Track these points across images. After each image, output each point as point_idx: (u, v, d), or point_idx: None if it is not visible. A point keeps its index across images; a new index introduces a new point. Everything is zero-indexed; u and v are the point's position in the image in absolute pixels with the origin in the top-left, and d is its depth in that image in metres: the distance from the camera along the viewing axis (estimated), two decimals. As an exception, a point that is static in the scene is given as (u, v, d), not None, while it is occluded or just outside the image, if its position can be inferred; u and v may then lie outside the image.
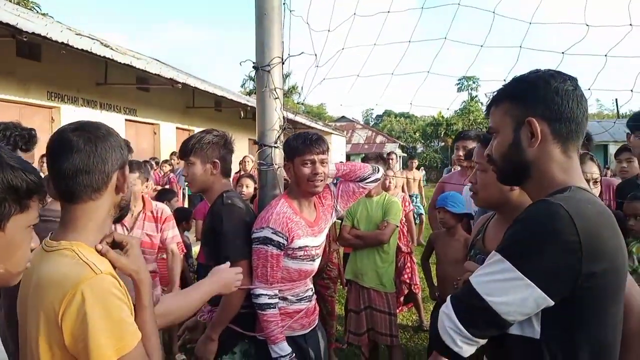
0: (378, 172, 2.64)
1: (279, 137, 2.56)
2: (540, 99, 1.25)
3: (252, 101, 16.46)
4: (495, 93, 1.37)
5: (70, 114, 9.50)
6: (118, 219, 1.40)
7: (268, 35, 2.52)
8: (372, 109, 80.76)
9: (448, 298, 1.24)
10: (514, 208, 1.81)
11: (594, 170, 2.35)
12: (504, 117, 1.32)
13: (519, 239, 1.17)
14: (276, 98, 2.54)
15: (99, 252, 1.25)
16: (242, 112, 14.76)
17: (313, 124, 21.41)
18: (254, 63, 2.56)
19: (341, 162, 2.67)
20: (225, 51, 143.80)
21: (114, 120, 10.67)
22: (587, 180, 2.32)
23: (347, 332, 4.02)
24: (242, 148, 14.75)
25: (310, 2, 2.61)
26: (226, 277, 1.84)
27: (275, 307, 2.29)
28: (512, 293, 1.12)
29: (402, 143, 43.87)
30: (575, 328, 1.15)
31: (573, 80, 1.28)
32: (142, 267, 1.30)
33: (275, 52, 2.53)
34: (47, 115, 9.25)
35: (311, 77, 2.59)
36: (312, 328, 2.47)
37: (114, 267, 1.25)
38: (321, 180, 2.36)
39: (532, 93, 1.27)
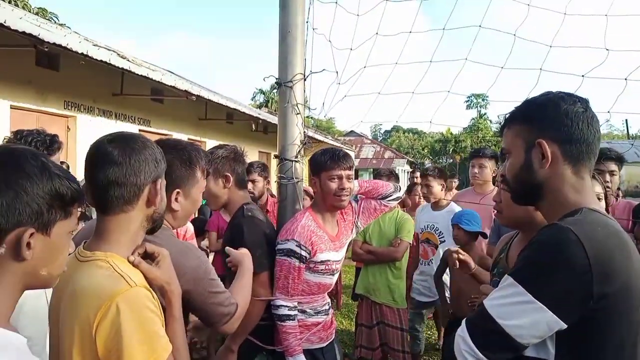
0: (400, 191, 2.69)
1: (299, 151, 2.61)
2: (550, 120, 1.28)
3: (263, 114, 16.60)
4: (508, 115, 1.40)
5: (86, 123, 9.64)
6: (151, 231, 1.40)
7: (291, 52, 2.59)
8: (381, 125, 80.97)
9: (463, 322, 1.26)
10: (538, 226, 1.84)
11: (597, 189, 2.37)
12: (515, 139, 1.35)
13: (531, 263, 1.19)
14: (297, 113, 2.59)
15: (131, 263, 1.28)
16: (253, 125, 14.86)
17: (322, 138, 21.50)
18: (276, 79, 2.62)
19: (364, 179, 2.72)
20: (234, 64, 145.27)
21: (128, 131, 10.78)
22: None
23: (358, 347, 4.02)
24: (252, 160, 14.78)
25: (333, 20, 2.68)
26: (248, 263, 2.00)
27: (294, 319, 2.32)
28: (525, 316, 1.13)
29: (410, 159, 43.88)
30: (590, 349, 1.15)
31: (584, 102, 1.30)
32: (173, 278, 1.33)
33: (298, 68, 2.60)
34: (63, 124, 9.39)
35: (332, 94, 2.65)
36: (329, 341, 2.49)
37: (146, 279, 1.28)
38: (347, 195, 2.41)
39: (542, 115, 1.30)
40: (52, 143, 2.32)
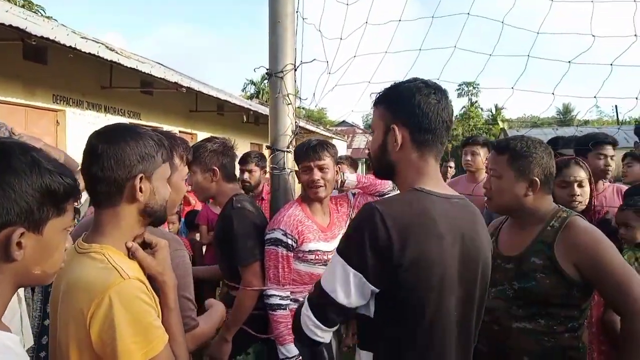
0: (396, 190, 2.70)
1: (291, 142, 2.61)
2: (405, 109, 1.42)
3: (254, 105, 16.54)
4: (378, 95, 1.52)
5: (75, 117, 9.56)
6: (152, 224, 1.38)
7: (281, 43, 2.58)
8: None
9: (305, 300, 1.44)
10: (528, 213, 1.88)
11: (579, 173, 2.41)
12: (378, 120, 1.49)
13: (346, 237, 1.41)
14: (289, 104, 2.60)
15: (128, 249, 1.28)
16: (244, 116, 14.82)
17: (314, 129, 21.47)
18: (267, 69, 2.62)
19: (361, 175, 2.73)
20: (224, 55, 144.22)
21: (123, 123, 10.71)
22: (572, 182, 2.37)
23: (352, 335, 4.05)
24: (244, 151, 14.77)
25: (323, 10, 2.67)
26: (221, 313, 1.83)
27: (286, 308, 2.34)
28: (347, 283, 1.32)
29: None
30: (398, 310, 1.34)
31: (439, 93, 1.43)
32: (167, 269, 1.33)
33: (288, 59, 2.59)
34: (53, 119, 9.31)
35: (323, 84, 2.65)
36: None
37: (142, 267, 1.29)
38: (320, 186, 2.42)
39: (400, 102, 1.43)
40: None
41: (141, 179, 1.28)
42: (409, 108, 1.40)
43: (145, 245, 1.33)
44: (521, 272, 1.83)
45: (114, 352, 1.13)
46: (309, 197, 2.47)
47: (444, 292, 1.35)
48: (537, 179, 1.83)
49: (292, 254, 2.36)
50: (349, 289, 1.32)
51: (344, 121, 42.50)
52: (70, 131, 9.40)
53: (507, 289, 1.87)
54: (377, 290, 1.32)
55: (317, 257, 2.43)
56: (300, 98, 2.68)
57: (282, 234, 2.33)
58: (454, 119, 1.48)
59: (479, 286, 1.46)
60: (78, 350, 1.17)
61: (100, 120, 10.18)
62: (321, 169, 2.42)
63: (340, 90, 2.76)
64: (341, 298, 1.33)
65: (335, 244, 2.55)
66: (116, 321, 1.12)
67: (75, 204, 1.11)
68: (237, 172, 4.73)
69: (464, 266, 1.40)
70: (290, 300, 2.38)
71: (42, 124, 8.84)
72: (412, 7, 2.69)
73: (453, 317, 1.38)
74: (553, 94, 2.26)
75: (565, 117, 54.17)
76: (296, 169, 2.60)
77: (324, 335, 1.41)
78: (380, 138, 1.47)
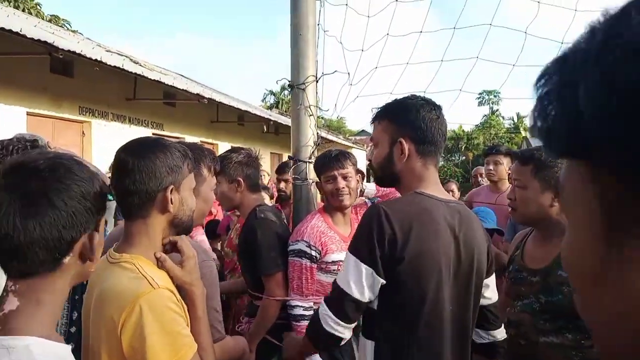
0: None
1: (313, 152, 2.63)
2: (411, 123, 1.56)
3: (274, 115, 16.67)
4: (379, 110, 1.66)
5: (101, 128, 9.78)
6: (181, 234, 1.41)
7: (303, 55, 2.61)
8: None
9: (323, 301, 1.58)
10: (554, 224, 1.85)
11: None
12: (383, 133, 1.62)
13: (356, 236, 1.54)
14: (310, 115, 2.62)
15: (157, 259, 1.31)
16: (264, 127, 14.94)
17: (334, 138, 21.52)
18: (289, 81, 2.65)
19: None
20: (244, 65, 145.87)
21: (142, 135, 10.87)
22: None
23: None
24: (264, 162, 14.88)
25: (344, 22, 2.70)
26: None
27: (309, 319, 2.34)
28: (359, 278, 1.45)
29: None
30: (398, 300, 1.47)
31: (438, 109, 1.59)
32: (195, 279, 1.35)
33: (310, 71, 2.62)
34: (79, 130, 9.53)
35: (344, 95, 2.67)
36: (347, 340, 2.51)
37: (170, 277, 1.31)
38: (345, 194, 2.43)
39: (405, 117, 1.57)
40: (33, 148, 2.29)
41: (171, 190, 1.31)
42: (416, 123, 1.55)
43: (176, 250, 1.37)
44: (548, 285, 1.80)
45: None
46: (332, 206, 2.47)
47: (440, 286, 1.48)
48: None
49: (316, 266, 2.37)
50: (362, 283, 1.46)
51: (363, 130, 42.50)
52: (96, 142, 9.61)
53: (533, 303, 1.85)
54: (384, 282, 1.46)
55: (339, 268, 2.43)
56: (321, 109, 2.70)
57: (306, 246, 2.34)
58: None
59: (474, 282, 1.60)
60: (108, 356, 1.20)
61: (125, 131, 10.39)
62: (345, 177, 2.44)
63: (359, 100, 2.78)
64: (355, 293, 1.46)
65: None
66: (146, 330, 1.15)
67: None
68: (266, 181, 4.80)
69: (459, 263, 1.54)
70: (314, 310, 2.38)
71: (69, 135, 9.06)
72: (432, 18, 2.70)
73: (448, 309, 1.51)
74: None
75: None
76: (317, 180, 2.62)
77: (343, 331, 1.52)
78: (386, 150, 1.60)
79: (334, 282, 1.54)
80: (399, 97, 1.65)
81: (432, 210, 1.51)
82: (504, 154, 3.95)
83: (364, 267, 1.45)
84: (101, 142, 9.57)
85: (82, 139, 9.52)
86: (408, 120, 1.56)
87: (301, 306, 2.33)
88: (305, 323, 2.32)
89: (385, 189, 2.65)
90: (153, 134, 11.41)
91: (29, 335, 0.92)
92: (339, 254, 2.42)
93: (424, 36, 2.58)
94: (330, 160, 2.45)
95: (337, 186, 2.42)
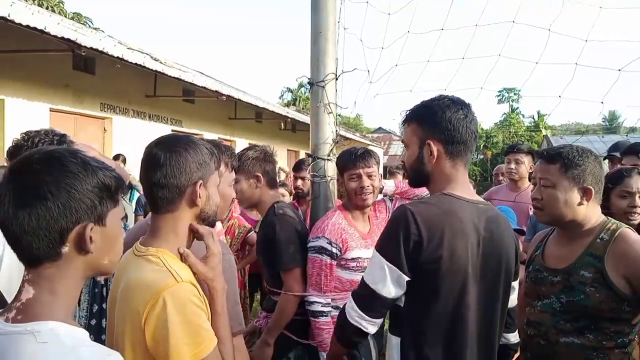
0: None
1: (331, 150, 2.64)
2: (438, 125, 1.59)
3: (291, 113, 16.71)
4: (407, 113, 1.70)
5: (121, 124, 9.92)
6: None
7: (323, 53, 2.62)
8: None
9: (350, 295, 1.61)
10: (579, 224, 1.83)
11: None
12: (412, 136, 1.66)
13: (383, 235, 1.58)
14: (330, 113, 2.63)
15: (181, 255, 1.34)
16: (282, 124, 14.99)
17: (351, 136, 21.48)
18: (309, 79, 2.66)
19: (400, 180, 2.73)
20: (261, 63, 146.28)
21: (161, 131, 11.01)
22: (634, 193, 2.23)
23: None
24: (281, 158, 14.96)
25: (364, 20, 2.70)
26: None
27: (327, 315, 2.35)
28: (384, 276, 1.50)
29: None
30: (424, 298, 1.51)
31: (466, 108, 1.60)
32: (217, 276, 1.37)
33: (330, 68, 2.63)
34: (100, 126, 9.68)
35: (364, 92, 2.68)
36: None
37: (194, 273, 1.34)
38: (369, 193, 2.43)
39: (432, 119, 1.60)
40: (60, 143, 2.31)
41: (200, 185, 1.34)
42: (442, 124, 1.58)
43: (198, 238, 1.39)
44: (570, 285, 1.79)
45: (166, 352, 1.18)
46: (354, 204, 2.47)
47: (466, 286, 1.50)
48: (591, 187, 1.79)
49: (335, 262, 2.38)
50: (387, 282, 1.50)
51: (380, 128, 42.32)
52: (117, 138, 9.75)
53: (554, 302, 1.83)
54: (409, 279, 1.49)
55: (358, 265, 2.44)
56: (340, 107, 2.71)
57: (327, 242, 2.35)
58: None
59: (503, 283, 1.61)
60: (132, 349, 1.23)
61: (145, 127, 10.52)
62: (370, 176, 2.44)
63: (375, 97, 2.79)
64: (382, 290, 1.50)
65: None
66: (169, 322, 1.17)
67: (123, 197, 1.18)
68: (285, 178, 4.81)
69: (486, 264, 1.55)
70: (332, 307, 2.39)
71: (90, 131, 9.22)
72: (454, 15, 2.68)
73: (474, 309, 1.53)
74: (602, 102, 2.20)
75: (611, 124, 52.22)
76: (335, 177, 2.63)
77: (367, 326, 1.55)
78: (416, 152, 1.64)
79: (362, 279, 1.58)
80: (420, 95, 1.69)
81: (458, 211, 1.54)
82: (526, 153, 3.90)
83: (389, 266, 1.49)
84: (122, 138, 9.71)
85: (104, 135, 9.67)
86: (435, 122, 1.60)
87: (319, 302, 2.35)
88: (324, 319, 2.34)
89: (404, 186, 2.65)
90: (172, 130, 11.54)
91: (50, 320, 0.96)
92: (358, 250, 2.43)
93: (445, 33, 2.57)
94: (357, 159, 2.45)
95: (362, 184, 2.42)
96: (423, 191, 2.62)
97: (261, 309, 2.67)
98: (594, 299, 1.72)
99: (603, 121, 53.63)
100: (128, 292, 1.26)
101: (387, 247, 1.53)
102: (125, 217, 3.60)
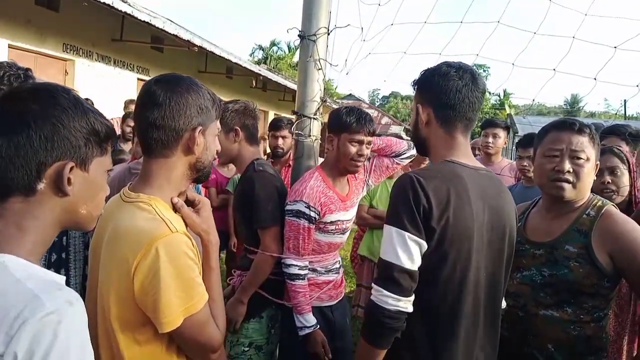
0: (413, 149, 2.62)
1: (319, 108, 2.55)
2: (428, 89, 1.59)
3: (263, 71, 16.31)
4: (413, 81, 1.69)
5: (84, 68, 9.41)
6: (197, 181, 1.37)
7: (316, 4, 2.50)
8: (379, 89, 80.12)
9: (373, 285, 1.49)
10: (575, 200, 1.84)
11: (613, 161, 2.30)
12: (414, 102, 1.68)
13: (392, 205, 1.50)
14: (319, 69, 2.53)
15: (174, 205, 1.25)
16: (253, 81, 14.63)
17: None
18: (300, 31, 2.53)
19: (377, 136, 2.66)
20: (230, 18, 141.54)
21: (127, 79, 10.57)
22: (603, 170, 2.25)
23: (355, 306, 4.08)
24: (250, 117, 14.62)
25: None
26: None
27: (304, 278, 2.32)
28: (404, 246, 1.42)
29: (407, 126, 43.69)
30: (430, 268, 1.45)
31: (460, 71, 1.55)
32: (211, 227, 1.30)
33: (322, 22, 2.51)
34: (62, 68, 9.15)
35: (356, 51, 2.58)
36: (339, 299, 2.51)
37: (185, 224, 1.26)
38: (362, 161, 2.37)
39: (423, 85, 1.62)
40: (26, 77, 2.13)
41: (200, 131, 1.26)
42: (430, 88, 1.58)
43: (187, 204, 1.30)
44: (553, 259, 1.80)
45: (156, 304, 1.11)
46: (342, 167, 2.39)
47: (472, 253, 1.48)
48: (598, 162, 1.82)
49: (314, 226, 2.33)
50: (410, 251, 1.42)
51: (350, 94, 42.08)
52: (79, 82, 9.25)
53: (534, 275, 1.85)
54: (425, 245, 1.44)
55: (337, 227, 2.40)
56: (330, 64, 2.60)
57: (305, 206, 2.28)
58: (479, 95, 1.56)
59: (507, 250, 1.60)
60: (118, 298, 1.16)
61: (109, 73, 10.03)
62: (368, 144, 2.37)
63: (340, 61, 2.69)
64: (405, 262, 1.42)
65: (353, 212, 2.52)
66: (161, 273, 1.11)
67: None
68: (267, 137, 4.69)
69: (492, 231, 1.54)
70: (309, 269, 2.36)
71: (51, 72, 8.70)
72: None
73: (482, 278, 1.52)
74: (595, 79, 2.18)
75: (572, 107, 53.72)
76: (319, 136, 2.55)
77: (406, 305, 1.44)
78: (414, 118, 1.66)
79: (379, 260, 1.48)
80: (412, 57, 1.67)
81: (463, 177, 1.51)
82: (503, 128, 3.96)
83: (407, 235, 1.42)
84: (84, 83, 9.22)
85: (65, 77, 9.15)
86: (426, 87, 1.60)
87: (296, 265, 2.30)
88: (300, 282, 2.29)
89: (381, 142, 2.57)
90: (138, 79, 11.07)
91: (9, 254, 0.88)
92: (337, 213, 2.39)
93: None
94: (365, 123, 2.33)
95: (362, 152, 2.33)
96: (401, 146, 2.58)
97: (236, 266, 2.60)
98: (577, 274, 1.74)
99: (565, 104, 55.12)
100: (116, 239, 1.18)
101: (400, 215, 1.44)
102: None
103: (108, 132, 1.02)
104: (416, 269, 1.44)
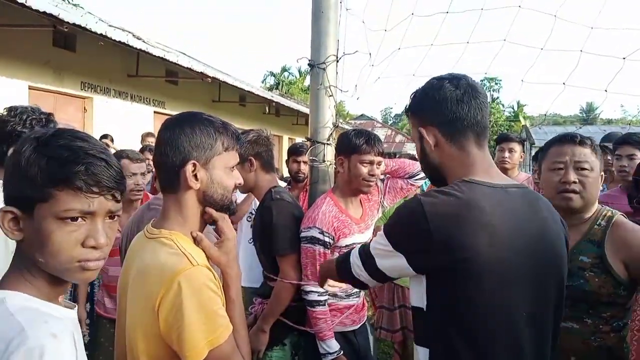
0: None
1: (331, 134, 2.59)
2: (425, 109, 1.43)
3: (275, 97, 16.53)
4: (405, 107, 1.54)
5: (102, 104, 9.66)
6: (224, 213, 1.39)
7: (324, 34, 2.56)
8: (391, 108, 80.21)
9: (358, 248, 1.51)
10: (586, 210, 1.85)
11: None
12: (413, 130, 1.50)
13: (393, 221, 1.41)
14: (330, 96, 2.57)
15: (194, 238, 1.28)
16: (266, 108, 14.82)
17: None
18: (309, 60, 2.59)
19: (390, 158, 2.69)
20: (243, 47, 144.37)
21: (143, 113, 10.82)
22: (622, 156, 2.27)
23: (377, 329, 4.04)
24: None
25: (367, 1, 2.64)
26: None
27: (324, 304, 2.32)
28: (388, 259, 1.37)
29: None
30: (449, 302, 1.28)
31: (455, 80, 1.39)
32: (232, 261, 1.32)
33: (331, 50, 2.56)
34: (80, 105, 9.41)
35: (365, 76, 2.62)
36: (362, 323, 2.50)
37: (207, 258, 1.28)
38: (374, 181, 2.39)
39: (419, 106, 1.45)
40: (47, 122, 2.22)
41: (194, 165, 1.28)
42: (428, 107, 1.41)
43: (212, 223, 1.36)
44: (568, 271, 1.79)
45: (180, 338, 1.13)
46: (354, 189, 2.41)
47: (504, 286, 1.26)
48: (602, 173, 1.83)
49: (329, 251, 2.34)
50: (388, 262, 1.38)
51: (362, 114, 42.24)
52: (97, 118, 9.49)
53: None
54: (414, 273, 1.33)
55: (353, 251, 2.41)
56: (341, 90, 2.65)
57: (319, 232, 2.30)
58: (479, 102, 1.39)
59: (554, 276, 1.36)
60: (144, 334, 1.18)
61: (127, 108, 10.28)
62: (379, 164, 2.39)
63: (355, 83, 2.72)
64: (379, 264, 1.40)
65: (368, 234, 2.52)
66: (184, 307, 1.13)
67: None
68: (284, 163, 4.72)
69: (531, 259, 1.29)
70: (329, 295, 2.36)
71: (70, 110, 8.95)
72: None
73: (521, 315, 1.28)
74: (606, 90, 2.18)
75: (588, 115, 53.11)
76: (332, 161, 2.57)
77: (368, 280, 1.48)
78: (419, 145, 1.47)
79: (368, 248, 1.46)
80: (423, 79, 1.51)
81: (482, 200, 1.28)
82: (518, 142, 3.96)
83: (394, 253, 1.34)
84: (102, 119, 9.46)
85: (84, 114, 9.40)
86: (422, 106, 1.43)
87: (316, 292, 2.31)
88: (321, 309, 2.30)
89: (394, 164, 2.59)
90: (154, 112, 11.32)
91: (15, 291, 0.94)
92: (352, 237, 2.39)
93: (449, 19, 2.51)
94: (375, 144, 2.35)
95: (374, 172, 2.35)
96: (414, 167, 2.59)
97: (257, 294, 2.62)
98: (593, 284, 1.74)
99: (580, 112, 54.52)
100: (141, 275, 1.21)
101: (396, 236, 1.36)
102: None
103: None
104: (388, 275, 1.42)
